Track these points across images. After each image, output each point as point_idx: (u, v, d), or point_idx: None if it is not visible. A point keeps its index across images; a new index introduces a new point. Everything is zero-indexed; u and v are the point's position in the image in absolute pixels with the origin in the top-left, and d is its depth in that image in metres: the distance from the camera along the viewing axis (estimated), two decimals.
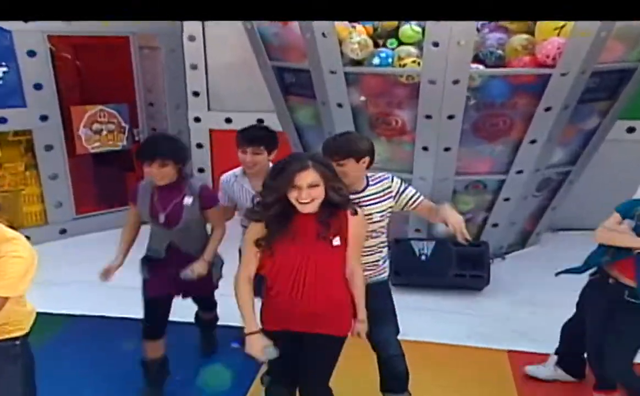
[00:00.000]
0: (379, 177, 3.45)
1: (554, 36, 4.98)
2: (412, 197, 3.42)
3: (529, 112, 5.20)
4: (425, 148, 5.17)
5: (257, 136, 3.68)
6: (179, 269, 3.64)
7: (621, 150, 5.90)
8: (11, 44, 5.90)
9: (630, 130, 6.24)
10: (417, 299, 5.03)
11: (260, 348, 2.88)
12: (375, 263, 3.46)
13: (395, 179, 3.47)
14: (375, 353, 3.53)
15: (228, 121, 7.20)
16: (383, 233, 3.46)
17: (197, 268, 3.61)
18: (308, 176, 2.72)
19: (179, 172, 3.65)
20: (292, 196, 2.73)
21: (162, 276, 3.67)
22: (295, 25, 5.40)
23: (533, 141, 5.27)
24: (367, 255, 3.40)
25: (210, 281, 3.92)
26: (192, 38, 7.09)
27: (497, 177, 5.58)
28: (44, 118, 5.90)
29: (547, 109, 5.09)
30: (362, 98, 5.50)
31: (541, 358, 4.07)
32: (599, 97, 5.45)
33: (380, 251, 3.47)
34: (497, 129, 5.30)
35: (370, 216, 3.33)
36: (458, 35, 4.84)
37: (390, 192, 3.40)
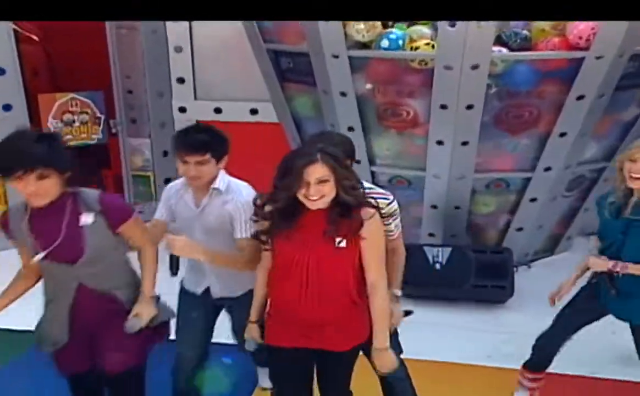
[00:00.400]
0: (379, 194, 3.50)
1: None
2: (391, 230, 3.49)
3: (558, 102, 5.22)
4: (440, 142, 5.20)
5: (201, 140, 3.25)
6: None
7: None
8: None
9: None
10: (431, 313, 5.03)
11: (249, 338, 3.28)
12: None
13: (393, 203, 3.52)
14: (378, 375, 3.57)
15: (217, 111, 7.26)
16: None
17: (144, 310, 3.05)
18: (316, 171, 2.74)
19: (65, 183, 2.90)
20: (300, 193, 2.77)
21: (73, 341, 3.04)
22: None
23: (563, 134, 5.30)
24: None
25: (141, 344, 3.19)
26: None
27: (521, 175, 5.61)
28: (6, 107, 5.88)
29: (580, 98, 5.11)
30: (369, 86, 5.52)
31: (573, 381, 4.14)
32: (639, 83, 5.45)
33: None
34: (522, 121, 5.33)
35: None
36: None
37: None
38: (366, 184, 3.45)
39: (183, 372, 3.66)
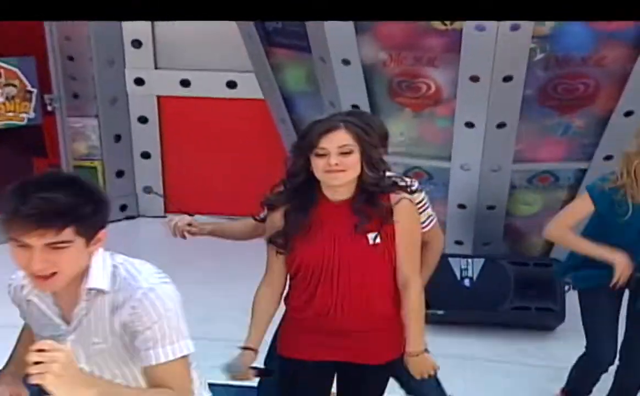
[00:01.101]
0: (399, 179, 3.58)
1: None
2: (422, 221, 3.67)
3: (623, 71, 5.30)
4: (469, 124, 5.25)
5: (54, 206, 2.37)
6: None
7: None
8: None
9: None
10: (458, 343, 5.12)
11: (243, 368, 3.07)
12: None
13: (418, 192, 3.70)
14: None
15: (185, 83, 7.45)
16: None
17: None
18: (338, 138, 2.84)
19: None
20: (319, 166, 2.83)
21: None
22: None
23: (629, 113, 5.38)
24: None
25: None
26: None
27: (575, 166, 5.74)
28: None
29: None
30: (378, 52, 5.58)
31: None
32: None
33: None
34: (575, 96, 5.43)
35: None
36: None
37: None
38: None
39: None
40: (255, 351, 3.17)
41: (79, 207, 2.20)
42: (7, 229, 2.21)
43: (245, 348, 3.08)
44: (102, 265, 2.34)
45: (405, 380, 3.83)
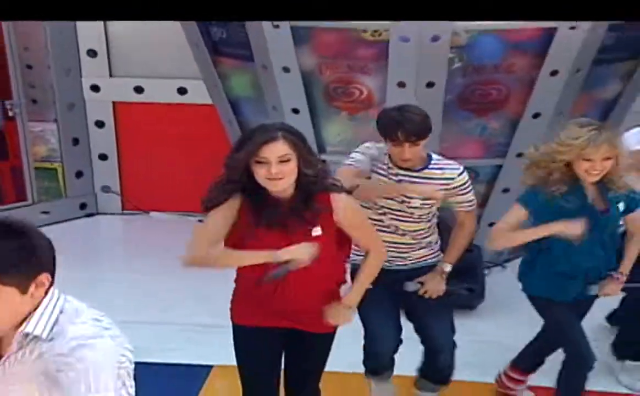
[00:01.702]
0: (448, 164, 4.03)
1: None
2: (461, 202, 4.03)
3: (530, 78, 5.46)
4: None
5: None
6: None
7: None
8: None
9: None
10: None
11: (304, 249, 3.08)
12: (428, 245, 4.18)
13: (463, 174, 4.04)
14: (422, 340, 4.24)
15: (138, 90, 7.38)
16: (427, 220, 4.07)
17: None
18: (278, 148, 2.96)
19: None
20: (260, 173, 2.97)
21: None
22: None
23: (536, 115, 5.53)
24: (406, 246, 4.13)
25: None
26: None
27: (491, 162, 5.83)
28: None
29: (553, 73, 5.33)
30: (315, 60, 5.66)
31: (549, 393, 4.34)
32: (620, 57, 5.70)
33: (429, 232, 4.13)
34: (490, 100, 5.56)
35: (410, 200, 3.95)
36: None
37: (449, 185, 3.97)
38: (435, 156, 4.05)
39: None
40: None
41: (6, 255, 2.10)
42: None
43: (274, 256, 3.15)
44: (49, 311, 2.20)
45: (417, 317, 4.28)
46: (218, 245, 3.19)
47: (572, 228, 3.68)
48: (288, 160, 2.99)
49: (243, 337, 3.42)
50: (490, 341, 5.06)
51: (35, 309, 2.14)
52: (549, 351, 4.36)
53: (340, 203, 3.19)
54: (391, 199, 4.09)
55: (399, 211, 4.08)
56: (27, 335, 2.12)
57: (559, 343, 4.24)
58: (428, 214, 4.10)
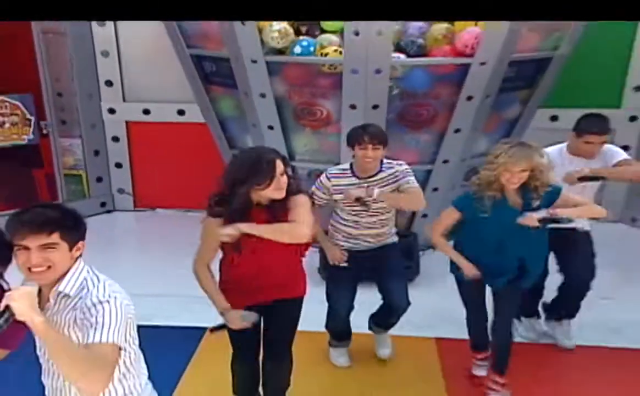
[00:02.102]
0: (393, 163, 4.12)
1: (471, 26, 5.21)
2: (407, 184, 4.06)
3: (451, 102, 5.44)
4: None
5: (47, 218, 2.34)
6: None
7: (545, 138, 5.96)
8: None
9: (553, 118, 6.65)
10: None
11: (239, 318, 3.19)
12: (380, 234, 4.20)
13: (405, 166, 4.12)
14: (382, 298, 4.32)
15: (146, 112, 7.34)
16: (387, 211, 4.13)
17: None
18: (279, 165, 3.08)
19: None
20: (270, 187, 3.07)
21: None
22: None
23: (457, 130, 5.54)
24: (371, 229, 4.18)
25: None
26: (101, 23, 7.04)
27: (424, 168, 5.73)
28: None
29: (469, 98, 5.36)
30: (285, 88, 5.64)
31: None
32: (519, 86, 5.74)
33: (384, 225, 4.19)
34: (421, 119, 5.54)
35: (368, 202, 4.03)
36: (379, 24, 5.01)
37: (397, 177, 4.05)
38: (384, 160, 4.11)
39: None
40: (229, 307, 3.30)
41: (64, 219, 2.30)
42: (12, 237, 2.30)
43: (228, 310, 3.24)
44: (77, 275, 2.35)
45: (384, 285, 4.34)
46: (210, 266, 3.28)
47: (470, 273, 3.80)
48: (284, 173, 3.12)
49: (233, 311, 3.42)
50: (424, 306, 4.94)
51: (66, 272, 2.30)
52: (500, 340, 4.17)
53: (296, 199, 3.28)
54: (357, 201, 4.16)
55: (361, 210, 4.16)
56: (60, 293, 2.27)
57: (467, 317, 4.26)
58: (381, 209, 4.17)
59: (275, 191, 3.10)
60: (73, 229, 2.32)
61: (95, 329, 2.22)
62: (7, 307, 2.09)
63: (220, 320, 3.42)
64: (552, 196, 3.70)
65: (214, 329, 3.46)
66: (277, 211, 3.23)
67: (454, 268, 4.04)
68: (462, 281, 4.05)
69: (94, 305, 2.26)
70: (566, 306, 4.73)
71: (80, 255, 2.39)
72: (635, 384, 4.43)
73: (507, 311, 4.02)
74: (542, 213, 3.77)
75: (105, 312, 2.25)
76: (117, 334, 2.25)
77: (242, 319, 3.22)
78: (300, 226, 3.13)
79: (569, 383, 4.50)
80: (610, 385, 4.42)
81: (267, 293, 3.39)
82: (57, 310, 2.32)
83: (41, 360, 2.50)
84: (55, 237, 2.23)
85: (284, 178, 3.16)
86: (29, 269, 2.22)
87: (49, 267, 2.22)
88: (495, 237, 3.76)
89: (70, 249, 2.28)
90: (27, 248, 2.20)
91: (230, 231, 3.06)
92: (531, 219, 3.68)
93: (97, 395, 2.37)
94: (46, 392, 2.56)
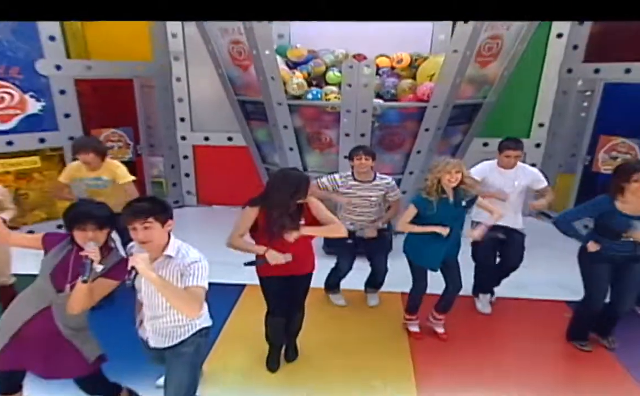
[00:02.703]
0: (385, 177, 4.28)
1: (427, 81, 5.34)
2: (392, 197, 4.29)
3: (414, 132, 5.47)
4: (345, 157, 5.14)
5: (145, 207, 2.47)
6: None
7: (479, 157, 5.64)
8: (48, 85, 6.04)
9: (485, 144, 6.57)
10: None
11: (278, 256, 3.14)
12: (374, 221, 4.32)
13: (393, 183, 4.29)
14: (370, 265, 4.52)
15: (206, 138, 7.36)
16: (379, 205, 4.29)
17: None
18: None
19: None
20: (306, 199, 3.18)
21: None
22: (252, 69, 5.47)
23: (419, 152, 5.56)
24: (368, 217, 4.30)
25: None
26: (178, 79, 7.13)
27: (396, 177, 5.42)
28: (71, 138, 5.92)
29: (426, 130, 5.40)
30: (301, 122, 5.65)
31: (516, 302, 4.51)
32: (460, 121, 5.76)
33: (377, 215, 4.31)
34: (394, 144, 5.59)
35: (370, 196, 4.23)
36: (364, 79, 5.13)
37: (387, 188, 4.26)
38: (378, 174, 4.28)
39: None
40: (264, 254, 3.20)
41: (154, 207, 2.42)
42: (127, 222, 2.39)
43: (266, 251, 3.15)
44: (175, 243, 2.49)
45: (371, 255, 4.50)
46: (244, 236, 3.20)
47: (443, 231, 3.65)
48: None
49: (268, 282, 3.43)
50: (393, 271, 4.78)
51: (167, 243, 2.47)
52: (449, 302, 4.04)
53: (313, 204, 3.34)
54: (356, 197, 4.27)
55: (360, 202, 4.29)
56: (166, 255, 2.45)
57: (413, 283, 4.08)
58: (374, 203, 4.29)
59: (303, 200, 3.21)
60: (161, 212, 2.43)
61: (192, 277, 2.39)
62: (133, 267, 2.30)
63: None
64: (473, 199, 3.70)
65: (247, 264, 3.39)
66: (302, 209, 3.33)
67: (406, 250, 3.97)
68: (410, 260, 3.99)
69: (190, 264, 2.42)
70: (494, 283, 4.63)
71: (171, 229, 2.50)
72: (534, 323, 4.43)
73: (456, 273, 3.92)
74: (479, 229, 3.87)
75: (197, 268, 2.42)
76: (204, 281, 2.43)
77: (278, 258, 3.17)
78: (340, 225, 3.25)
79: (489, 321, 4.48)
80: (516, 323, 4.46)
81: (288, 268, 3.33)
82: (163, 267, 2.46)
83: (145, 301, 2.56)
84: (150, 220, 2.38)
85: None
86: (141, 242, 2.40)
87: (151, 241, 2.38)
88: (439, 224, 3.72)
89: (162, 225, 2.41)
90: (134, 229, 2.37)
91: (295, 234, 3.11)
92: (475, 233, 3.85)
93: (194, 317, 2.53)
94: (145, 321, 2.62)
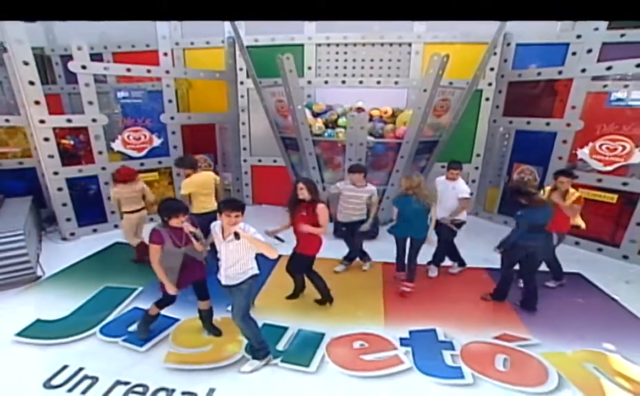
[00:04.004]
0: (372, 187, 4.30)
1: (403, 126, 5.67)
2: (373, 199, 4.19)
3: (394, 159, 5.75)
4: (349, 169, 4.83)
5: (238, 205, 2.74)
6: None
7: (439, 175, 5.48)
8: (165, 128, 6.38)
9: (443, 167, 5.90)
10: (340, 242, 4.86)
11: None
12: (355, 215, 4.33)
13: (375, 190, 4.24)
14: (350, 246, 4.43)
15: (259, 160, 7.46)
16: (364, 203, 4.29)
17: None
18: (300, 184, 3.41)
19: None
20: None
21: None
22: (290, 118, 5.68)
23: (397, 171, 5.79)
24: (356, 210, 4.31)
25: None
26: (243, 123, 7.29)
27: (382, 188, 5.88)
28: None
29: (402, 157, 5.67)
30: (320, 151, 5.88)
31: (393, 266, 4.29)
32: (425, 152, 5.98)
33: (362, 209, 4.30)
34: (380, 165, 5.85)
35: (362, 196, 4.28)
36: (361, 122, 5.52)
37: (371, 192, 4.27)
38: (369, 184, 4.21)
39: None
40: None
41: (240, 204, 2.62)
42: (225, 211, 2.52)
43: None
44: (242, 224, 2.64)
45: (350, 239, 4.37)
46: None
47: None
48: (302, 189, 3.40)
49: (292, 257, 3.62)
50: (377, 247, 4.91)
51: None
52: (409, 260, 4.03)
53: (318, 207, 3.40)
54: (352, 197, 4.31)
55: (351, 200, 4.34)
56: (242, 227, 2.64)
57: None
58: (362, 201, 4.31)
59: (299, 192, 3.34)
60: (242, 208, 2.68)
61: (255, 234, 2.62)
62: (235, 232, 2.57)
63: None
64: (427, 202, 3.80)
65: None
66: (310, 206, 3.40)
67: (391, 230, 4.03)
68: (396, 237, 4.07)
69: (254, 233, 2.63)
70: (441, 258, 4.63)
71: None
72: (465, 282, 4.41)
73: (414, 252, 3.98)
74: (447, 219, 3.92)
75: (256, 234, 2.63)
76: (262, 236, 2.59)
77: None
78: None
79: (436, 281, 4.50)
80: (454, 283, 4.43)
81: (299, 248, 3.53)
82: (232, 242, 2.68)
83: (223, 258, 2.73)
84: (239, 212, 2.63)
85: (304, 190, 3.39)
86: (233, 224, 2.60)
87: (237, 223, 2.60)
88: (409, 216, 3.85)
89: (242, 215, 2.68)
90: (228, 215, 2.59)
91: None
92: (445, 222, 3.85)
93: (272, 256, 2.63)
94: (221, 270, 2.77)
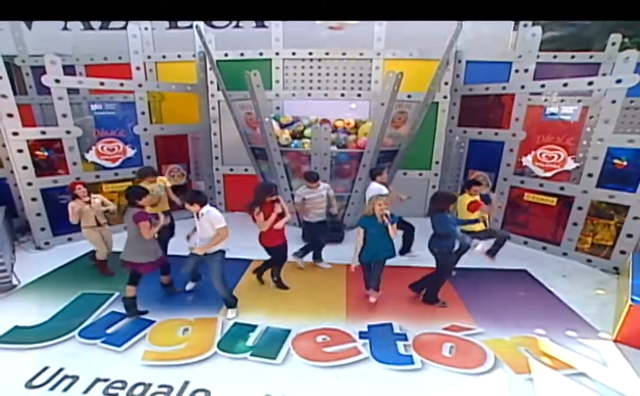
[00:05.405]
0: (326, 185, 4.83)
1: (364, 136, 6.03)
2: (330, 193, 4.73)
3: (357, 167, 6.04)
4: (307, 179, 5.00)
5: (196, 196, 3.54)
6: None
7: (399, 183, 6.64)
8: (139, 139, 6.42)
9: (404, 173, 7.06)
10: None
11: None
12: (319, 215, 4.76)
13: (328, 186, 4.82)
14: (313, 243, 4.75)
15: (231, 170, 7.54)
16: (325, 201, 4.74)
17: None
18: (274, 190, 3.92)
19: None
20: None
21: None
22: (258, 129, 5.89)
23: (360, 178, 6.07)
24: (319, 209, 4.72)
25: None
26: (215, 134, 7.37)
27: (346, 194, 6.24)
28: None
29: (364, 165, 5.96)
30: (288, 161, 6.12)
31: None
32: (386, 160, 6.24)
33: (323, 208, 4.75)
34: (345, 173, 6.15)
35: (321, 195, 4.74)
36: (325, 134, 5.81)
37: (326, 189, 4.80)
38: (322, 184, 4.66)
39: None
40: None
41: (201, 196, 3.22)
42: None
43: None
44: (207, 208, 3.23)
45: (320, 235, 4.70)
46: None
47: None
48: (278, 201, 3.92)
49: (271, 249, 4.03)
50: (342, 251, 5.12)
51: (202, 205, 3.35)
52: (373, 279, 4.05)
53: (279, 203, 3.91)
54: (314, 197, 4.70)
55: (314, 200, 4.73)
56: (202, 213, 3.27)
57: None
58: (323, 199, 4.75)
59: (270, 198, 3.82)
60: (205, 200, 3.32)
61: (217, 221, 3.24)
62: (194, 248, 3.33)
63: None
64: (394, 218, 3.86)
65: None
66: (272, 204, 3.91)
67: (361, 260, 3.95)
68: (364, 262, 4.03)
69: (216, 217, 3.24)
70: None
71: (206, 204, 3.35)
72: (408, 279, 4.46)
73: (378, 269, 3.99)
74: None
75: (219, 218, 3.25)
76: (222, 222, 3.26)
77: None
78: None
79: (398, 283, 4.52)
80: (400, 278, 4.55)
81: (270, 242, 4.01)
82: (203, 220, 3.32)
83: (198, 235, 3.36)
84: (197, 204, 3.26)
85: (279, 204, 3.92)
86: (196, 214, 3.26)
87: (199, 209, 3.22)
88: (376, 236, 3.87)
89: (205, 205, 3.29)
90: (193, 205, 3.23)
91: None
92: (393, 230, 3.84)
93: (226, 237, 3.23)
94: (197, 242, 3.41)
